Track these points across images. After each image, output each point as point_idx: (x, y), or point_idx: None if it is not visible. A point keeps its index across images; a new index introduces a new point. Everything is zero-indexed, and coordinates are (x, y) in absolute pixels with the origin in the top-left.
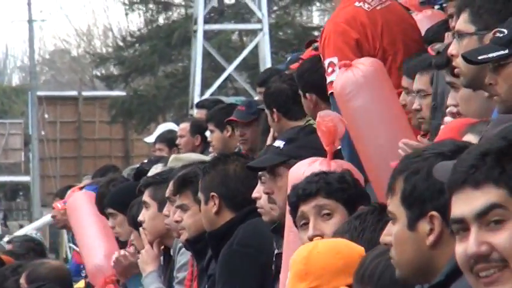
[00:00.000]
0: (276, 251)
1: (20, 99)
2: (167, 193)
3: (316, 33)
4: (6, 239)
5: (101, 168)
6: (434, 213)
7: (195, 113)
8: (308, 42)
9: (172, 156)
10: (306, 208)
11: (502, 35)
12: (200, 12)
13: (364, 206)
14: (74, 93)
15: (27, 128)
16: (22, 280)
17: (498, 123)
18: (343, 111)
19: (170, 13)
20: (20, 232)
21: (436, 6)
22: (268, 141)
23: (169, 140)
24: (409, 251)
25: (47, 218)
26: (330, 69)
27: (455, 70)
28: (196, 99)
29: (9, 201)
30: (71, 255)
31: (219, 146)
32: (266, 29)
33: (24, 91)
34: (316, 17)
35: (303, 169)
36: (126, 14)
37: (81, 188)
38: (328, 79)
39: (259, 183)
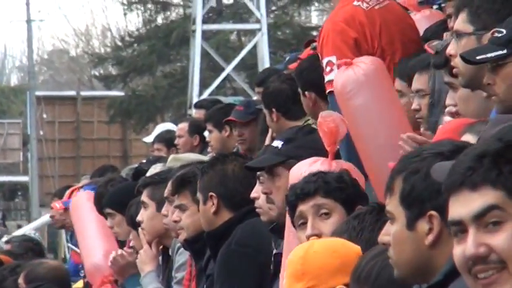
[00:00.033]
0: (274, 251)
1: (18, 99)
2: (166, 193)
3: (314, 33)
4: (4, 239)
5: (99, 168)
6: (433, 212)
7: (194, 113)
8: (307, 42)
9: (171, 156)
10: (304, 207)
11: (500, 35)
12: (198, 12)
13: (363, 205)
14: (72, 93)
15: (25, 128)
16: (20, 280)
17: (496, 124)
18: (344, 109)
19: (168, 13)
20: (18, 232)
21: (435, 6)
22: (267, 141)
23: (167, 140)
24: (408, 250)
25: (45, 218)
26: (328, 68)
27: (454, 70)
28: (195, 99)
29: (7, 201)
30: (69, 255)
31: (218, 146)
32: (264, 29)
33: (22, 91)
34: (314, 17)
35: (304, 169)
36: (125, 14)
37: (79, 188)
38: (326, 78)
39: (257, 183)
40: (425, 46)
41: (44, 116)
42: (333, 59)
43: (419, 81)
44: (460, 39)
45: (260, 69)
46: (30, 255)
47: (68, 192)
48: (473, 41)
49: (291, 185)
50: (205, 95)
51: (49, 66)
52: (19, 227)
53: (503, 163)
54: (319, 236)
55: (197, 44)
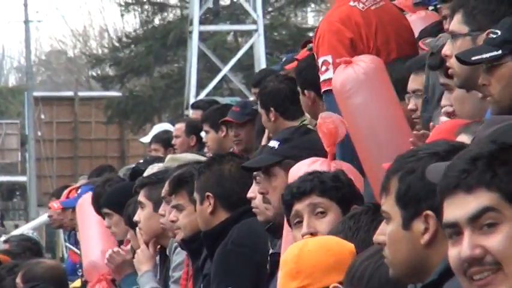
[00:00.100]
0: (270, 251)
1: (16, 99)
2: (163, 193)
3: (311, 34)
4: (2, 238)
5: (97, 168)
6: (429, 212)
7: (191, 113)
8: (304, 42)
9: (169, 156)
10: (300, 206)
11: (495, 35)
12: (195, 13)
13: (358, 205)
14: (70, 93)
15: (23, 128)
16: (18, 279)
17: (490, 124)
18: (343, 108)
19: (166, 14)
20: (16, 231)
21: (430, 8)
22: (263, 142)
23: (164, 140)
24: (403, 250)
25: (43, 217)
26: (323, 68)
27: (449, 71)
28: (192, 100)
29: (5, 201)
30: (67, 254)
31: (214, 147)
32: (261, 30)
33: (20, 92)
34: (311, 18)
35: (303, 169)
36: (122, 15)
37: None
38: (322, 77)
39: (254, 183)
40: (419, 43)
41: (42, 116)
42: (329, 58)
43: (416, 81)
44: (455, 40)
45: (257, 70)
46: (28, 255)
47: (65, 192)
48: (469, 42)
49: (287, 184)
50: (202, 95)
51: (47, 66)
52: (16, 226)
53: (498, 165)
54: (314, 234)
55: (194, 45)
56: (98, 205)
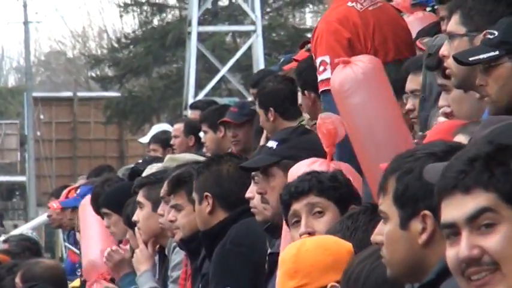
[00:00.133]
0: (269, 251)
1: (15, 100)
2: (162, 193)
3: (309, 34)
4: (2, 238)
5: (96, 168)
6: (427, 212)
7: (189, 113)
8: (302, 43)
9: (168, 156)
10: (298, 206)
11: (492, 36)
12: (194, 14)
13: (356, 205)
14: (69, 94)
15: (23, 128)
16: (17, 279)
17: (487, 125)
18: (341, 108)
19: (164, 15)
20: (16, 231)
21: (428, 8)
22: (262, 142)
23: (163, 140)
24: (401, 250)
25: (42, 217)
26: (321, 68)
27: (447, 71)
28: (190, 100)
29: (5, 200)
30: (66, 254)
31: (213, 147)
32: (259, 31)
33: (20, 92)
34: (309, 18)
35: (303, 169)
36: (121, 16)
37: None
38: (320, 77)
39: (252, 184)
40: (417, 43)
41: (41, 116)
42: (327, 58)
43: (414, 81)
44: (452, 41)
45: (255, 70)
46: (28, 255)
47: (64, 192)
48: (466, 42)
49: (286, 183)
50: (201, 96)
51: (46, 67)
52: (15, 226)
53: (495, 166)
54: (312, 234)
55: (193, 45)
56: (97, 205)
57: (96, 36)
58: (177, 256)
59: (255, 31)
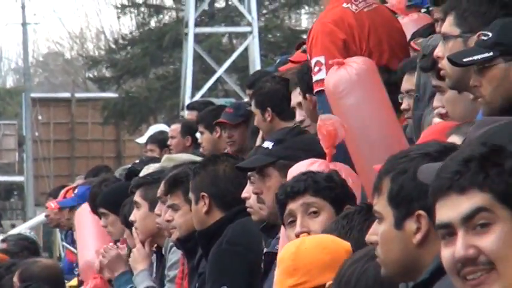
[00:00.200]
0: (264, 250)
1: (14, 100)
2: (158, 193)
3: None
4: (0, 237)
5: (93, 169)
6: (421, 212)
7: (186, 114)
8: (298, 44)
9: (165, 156)
10: (293, 206)
11: (486, 37)
12: (191, 16)
13: (351, 205)
14: (67, 95)
15: (21, 129)
16: (15, 278)
17: (481, 125)
18: (335, 109)
19: (161, 16)
20: (14, 231)
21: (423, 10)
22: (258, 142)
23: (160, 140)
24: (396, 249)
25: (40, 217)
26: (316, 68)
27: (441, 72)
28: (187, 101)
29: (3, 200)
30: (64, 253)
31: (209, 147)
32: (256, 32)
33: (18, 93)
34: (304, 20)
35: (303, 170)
36: (118, 17)
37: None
38: (315, 78)
39: (248, 184)
40: (411, 43)
41: (39, 117)
42: (322, 59)
43: (410, 81)
44: (447, 42)
45: (251, 71)
46: (26, 254)
47: (62, 192)
48: (460, 44)
49: (281, 183)
50: (198, 97)
51: (44, 68)
52: (14, 226)
53: (490, 166)
54: (307, 234)
55: (189, 46)
56: (95, 205)
57: (93, 37)
58: (174, 255)
59: (251, 32)
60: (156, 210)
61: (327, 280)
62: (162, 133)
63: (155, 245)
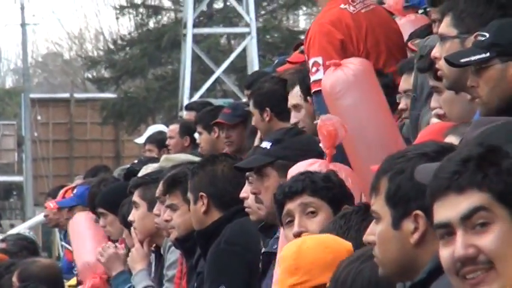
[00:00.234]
0: (262, 250)
1: (13, 101)
2: (157, 193)
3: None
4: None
5: (92, 169)
6: (418, 212)
7: (184, 114)
8: (296, 45)
9: (164, 156)
10: (291, 206)
11: (483, 38)
12: (189, 16)
13: (349, 205)
14: (66, 95)
15: (20, 129)
16: (14, 278)
17: (478, 126)
18: (332, 109)
19: (160, 17)
20: (13, 231)
21: (420, 11)
22: (256, 142)
23: (159, 141)
24: (393, 249)
25: (39, 217)
26: (314, 69)
27: (438, 72)
28: (186, 102)
29: (2, 200)
30: (63, 253)
31: (207, 148)
32: (254, 33)
33: (17, 93)
34: (302, 21)
35: (302, 170)
36: (117, 18)
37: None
38: (312, 78)
39: (246, 184)
40: (408, 44)
41: (38, 117)
42: (319, 59)
43: (407, 82)
44: (444, 42)
45: (249, 72)
46: (25, 254)
47: (61, 192)
48: (457, 44)
49: (279, 183)
50: (196, 97)
51: (43, 69)
52: (13, 226)
53: (488, 166)
54: (305, 234)
55: (188, 47)
56: (93, 205)
57: (92, 38)
58: (173, 255)
59: (249, 33)
60: (155, 210)
61: (328, 279)
62: (161, 133)
63: (154, 245)
